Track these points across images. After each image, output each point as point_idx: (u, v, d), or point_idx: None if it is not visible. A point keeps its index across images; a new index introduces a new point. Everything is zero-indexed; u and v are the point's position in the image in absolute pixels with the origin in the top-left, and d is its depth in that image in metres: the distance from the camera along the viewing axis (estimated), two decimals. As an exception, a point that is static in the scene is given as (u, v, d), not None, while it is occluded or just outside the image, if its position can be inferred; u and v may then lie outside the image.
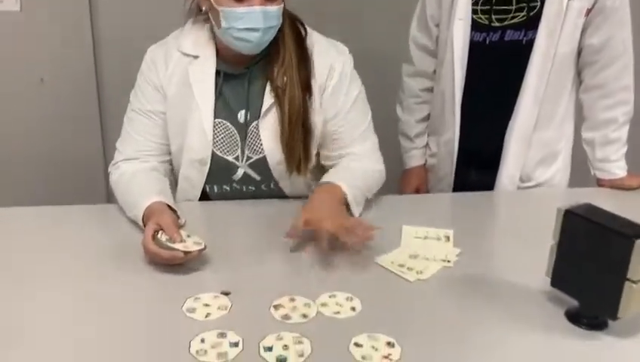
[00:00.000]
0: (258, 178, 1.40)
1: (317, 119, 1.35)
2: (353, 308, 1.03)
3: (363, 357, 0.91)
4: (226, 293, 1.06)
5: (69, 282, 1.09)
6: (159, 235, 1.14)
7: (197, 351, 0.91)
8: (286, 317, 1.00)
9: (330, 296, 1.06)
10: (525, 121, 1.58)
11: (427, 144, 1.79)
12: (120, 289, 1.07)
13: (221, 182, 1.42)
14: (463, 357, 0.93)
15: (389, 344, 0.94)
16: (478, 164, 1.66)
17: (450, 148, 1.68)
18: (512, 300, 1.06)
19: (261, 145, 1.36)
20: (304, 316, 1.00)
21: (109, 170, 1.40)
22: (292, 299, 1.05)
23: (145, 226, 1.17)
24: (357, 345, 0.94)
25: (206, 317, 0.99)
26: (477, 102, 1.62)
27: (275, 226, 1.25)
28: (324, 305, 1.04)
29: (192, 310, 1.01)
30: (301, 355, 0.91)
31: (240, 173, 1.39)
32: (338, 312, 1.02)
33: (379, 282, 1.12)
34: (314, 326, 0.98)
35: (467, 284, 1.11)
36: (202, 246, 1.13)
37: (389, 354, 0.92)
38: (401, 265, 1.14)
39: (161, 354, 0.91)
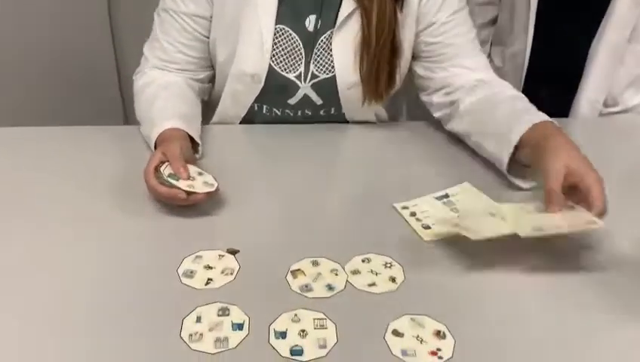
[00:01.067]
0: (319, 102, 1.14)
1: (408, 34, 1.07)
2: (393, 279, 0.81)
3: (404, 352, 0.70)
4: (234, 252, 0.85)
5: (55, 217, 0.90)
6: (163, 168, 0.92)
7: (190, 336, 0.71)
8: (306, 288, 0.79)
9: (363, 261, 0.84)
10: (619, 28, 1.25)
11: (490, 56, 1.47)
12: (112, 234, 0.87)
13: (272, 105, 1.16)
14: (544, 357, 0.70)
15: (438, 334, 0.72)
16: (552, 84, 1.36)
17: (518, 63, 1.38)
18: (609, 271, 0.82)
19: (332, 62, 1.08)
20: (329, 287, 0.79)
21: (134, 76, 1.16)
22: (315, 263, 0.83)
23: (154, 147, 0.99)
24: (396, 333, 0.72)
25: (206, 284, 0.79)
26: (558, 4, 1.29)
27: (319, 160, 1.01)
28: (355, 272, 0.82)
29: (190, 274, 0.81)
30: (323, 346, 0.70)
31: (300, 94, 1.13)
32: (373, 284, 0.80)
33: (430, 245, 0.89)
34: (341, 302, 0.77)
35: (544, 244, 0.86)
36: (212, 189, 0.92)
37: (438, 349, 0.70)
38: (456, 225, 0.88)
39: (143, 335, 0.71)
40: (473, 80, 1.09)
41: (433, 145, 1.14)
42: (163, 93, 1.09)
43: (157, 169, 0.92)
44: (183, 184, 0.90)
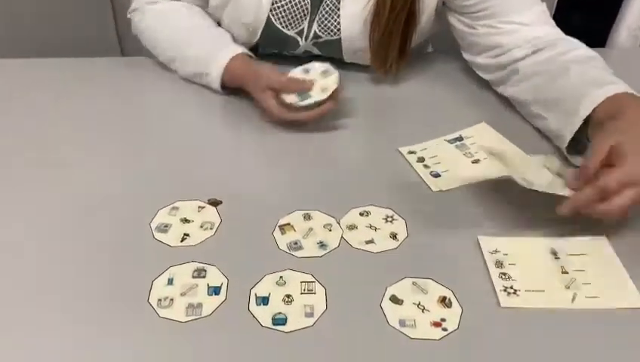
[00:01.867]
0: (321, 55, 1.00)
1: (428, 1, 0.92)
2: (394, 236, 0.71)
3: (402, 323, 0.60)
4: (215, 203, 0.75)
5: (21, 158, 0.81)
6: (283, 100, 0.86)
7: (159, 301, 0.62)
8: (295, 246, 0.69)
9: (361, 214, 0.74)
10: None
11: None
12: (78, 179, 0.78)
13: (269, 52, 1.02)
14: (562, 328, 0.61)
15: (443, 301, 0.63)
16: (587, 11, 1.19)
17: (549, -14, 1.20)
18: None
19: (338, 24, 0.94)
20: (321, 245, 0.69)
21: (129, 15, 1.03)
22: (307, 217, 0.73)
23: (221, 88, 0.93)
24: (395, 299, 0.63)
25: (182, 240, 0.70)
26: None
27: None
28: (351, 228, 0.72)
29: (164, 228, 0.71)
30: (310, 314, 0.61)
31: (299, 51, 1.00)
32: (371, 241, 0.70)
33: (439, 197, 0.78)
34: (334, 263, 0.67)
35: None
36: (336, 73, 0.86)
37: (442, 320, 0.61)
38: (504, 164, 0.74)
39: (105, 298, 0.63)
40: (531, 38, 0.88)
41: (447, 82, 1.01)
42: (196, 21, 0.97)
43: (280, 103, 0.86)
44: (317, 93, 0.85)
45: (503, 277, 0.65)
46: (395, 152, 0.84)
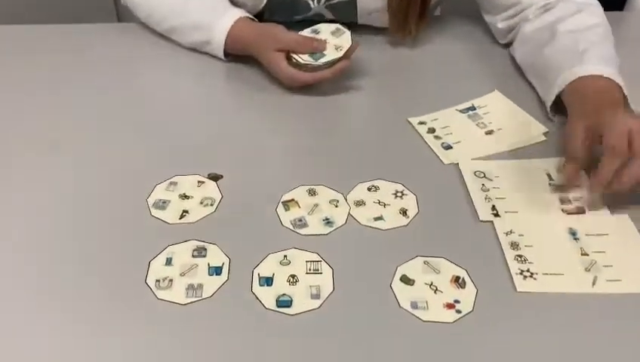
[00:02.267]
0: (332, 18, 0.94)
1: None
2: (404, 212, 0.67)
3: (413, 304, 0.57)
4: (216, 177, 0.71)
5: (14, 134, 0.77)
6: (295, 60, 0.83)
7: (157, 282, 0.59)
8: (300, 223, 0.66)
9: (369, 189, 0.70)
10: None
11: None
12: (72, 154, 0.74)
13: (278, 18, 0.96)
14: (583, 313, 0.57)
15: (456, 281, 0.59)
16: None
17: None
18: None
19: None
20: (327, 222, 0.66)
21: None
22: (312, 192, 0.69)
23: (225, 56, 0.89)
24: (405, 279, 0.60)
25: (181, 217, 0.66)
26: None
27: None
28: (359, 203, 0.68)
29: (162, 205, 0.68)
30: (316, 296, 0.58)
31: (310, 14, 0.94)
32: (380, 218, 0.66)
33: (451, 170, 0.74)
34: (341, 241, 0.64)
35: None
36: (347, 31, 0.84)
37: (456, 301, 0.58)
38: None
39: (101, 279, 0.60)
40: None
41: (459, 48, 0.96)
42: None
43: (293, 64, 0.83)
44: (330, 52, 0.82)
45: (519, 259, 0.61)
46: (405, 123, 0.80)
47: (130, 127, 0.79)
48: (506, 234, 0.64)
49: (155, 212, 0.67)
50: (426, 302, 0.57)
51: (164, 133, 0.78)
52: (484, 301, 0.57)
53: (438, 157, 0.75)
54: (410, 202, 0.68)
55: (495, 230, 0.64)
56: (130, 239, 0.64)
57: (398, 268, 0.60)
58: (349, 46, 0.82)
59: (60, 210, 0.67)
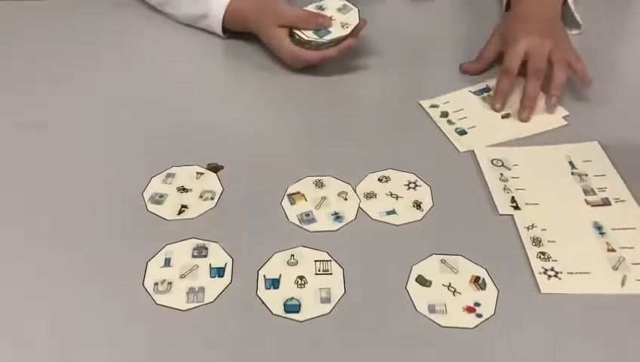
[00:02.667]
0: None
1: None
2: (418, 205, 0.63)
3: (431, 308, 0.53)
4: (216, 168, 0.67)
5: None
6: (298, 36, 0.77)
7: (155, 286, 0.55)
8: (307, 218, 0.61)
9: (380, 180, 0.66)
10: None
11: None
12: (62, 142, 0.69)
13: None
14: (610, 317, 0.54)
15: (476, 281, 0.56)
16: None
17: None
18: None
19: None
20: (336, 217, 0.61)
21: None
22: (319, 184, 0.65)
23: (223, 32, 0.84)
24: (421, 280, 0.56)
25: (179, 213, 0.62)
26: None
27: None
28: (369, 196, 0.64)
29: (159, 199, 0.63)
30: (326, 300, 0.54)
31: None
32: (393, 211, 0.62)
33: (467, 158, 0.69)
34: (351, 238, 0.60)
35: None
36: (355, 8, 0.79)
37: (476, 304, 0.54)
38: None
39: (94, 283, 0.56)
40: None
41: (471, 24, 0.90)
42: None
43: (296, 41, 0.77)
44: (336, 29, 0.77)
45: (542, 257, 0.57)
46: (416, 106, 0.75)
47: (121, 111, 0.74)
48: (527, 228, 0.60)
49: (152, 207, 0.62)
50: (445, 306, 0.53)
51: (159, 119, 0.73)
52: (506, 303, 0.53)
53: (452, 143, 0.70)
54: (424, 194, 0.64)
55: (515, 223, 0.60)
56: (125, 237, 0.59)
57: (414, 267, 0.57)
58: (356, 23, 0.77)
59: (44, 206, 0.63)
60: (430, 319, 0.52)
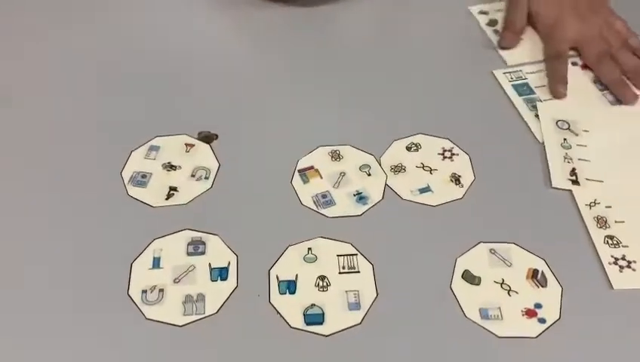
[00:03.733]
0: None
1: None
2: (457, 179, 0.52)
3: (484, 313, 0.44)
4: (209, 138, 0.55)
5: None
6: None
7: (143, 294, 0.44)
8: (324, 200, 0.50)
9: (408, 148, 0.55)
10: None
11: None
12: (30, 110, 0.57)
13: None
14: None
15: (533, 276, 0.46)
16: None
17: None
18: None
19: None
20: (360, 197, 0.51)
21: None
22: (335, 155, 0.54)
23: None
24: (469, 277, 0.46)
25: (168, 197, 0.51)
26: None
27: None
28: (397, 169, 0.53)
29: (142, 180, 0.52)
30: (355, 306, 0.44)
31: None
32: (427, 188, 0.52)
33: (512, 124, 0.58)
34: (379, 223, 0.49)
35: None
36: None
37: (537, 306, 0.44)
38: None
39: (67, 295, 0.45)
40: None
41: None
42: None
43: None
44: None
45: (610, 242, 0.47)
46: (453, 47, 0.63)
47: (92, 72, 0.61)
48: (589, 206, 0.50)
49: (133, 190, 0.51)
50: (499, 309, 0.44)
51: (139, 79, 0.60)
52: (572, 304, 0.44)
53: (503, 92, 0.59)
54: (462, 164, 0.53)
55: (575, 200, 0.50)
56: (101, 231, 0.48)
57: (457, 259, 0.47)
58: None
59: (7, 189, 0.51)
60: (483, 327, 0.43)
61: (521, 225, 0.49)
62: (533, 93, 0.58)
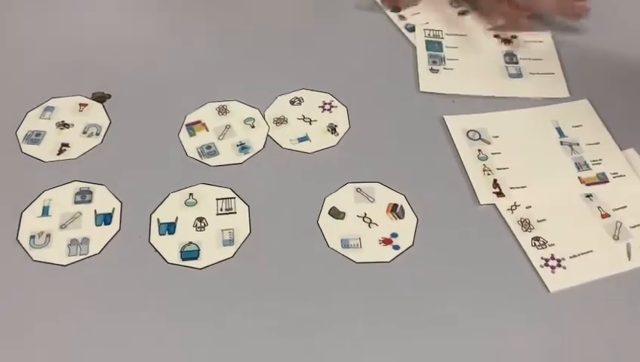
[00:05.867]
0: None
1: None
2: (333, 129, 0.57)
3: (345, 243, 0.48)
4: (102, 97, 0.58)
5: None
6: None
7: (31, 239, 0.48)
8: (208, 150, 0.54)
9: (292, 102, 0.59)
10: None
11: None
12: None
13: None
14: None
15: (393, 209, 0.51)
16: None
17: None
18: None
19: None
20: (242, 147, 0.55)
21: None
22: (222, 110, 0.58)
23: None
24: (335, 213, 0.50)
25: (59, 153, 0.54)
26: None
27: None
28: (279, 121, 0.57)
29: (36, 138, 0.55)
30: (229, 242, 0.48)
31: None
32: (305, 138, 0.56)
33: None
34: (258, 170, 0.53)
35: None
36: None
37: (393, 235, 0.49)
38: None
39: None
40: None
41: None
42: None
43: None
44: None
45: (537, 244, 0.49)
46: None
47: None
48: (511, 210, 0.51)
49: (27, 147, 0.54)
50: (359, 239, 0.49)
51: (33, 39, 0.63)
52: (427, 232, 0.49)
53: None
54: (339, 116, 0.57)
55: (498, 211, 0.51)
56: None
57: (326, 198, 0.51)
58: None
59: None
60: (343, 255, 0.48)
61: (387, 166, 0.53)
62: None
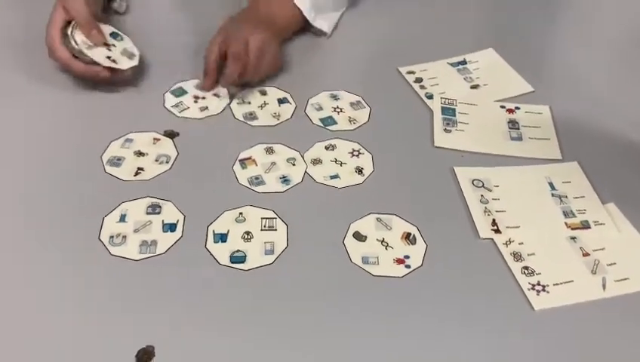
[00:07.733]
0: None
1: None
2: (360, 170, 0.68)
3: (365, 259, 0.59)
4: (172, 135, 0.71)
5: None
6: (70, 30, 0.72)
7: (111, 238, 0.59)
8: (256, 181, 0.66)
9: (327, 147, 0.71)
10: None
11: None
12: (22, 108, 0.73)
13: None
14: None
15: (407, 237, 0.61)
16: None
17: None
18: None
19: None
20: (284, 180, 0.66)
21: None
22: (269, 150, 0.70)
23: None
24: (358, 236, 0.61)
25: (136, 175, 0.66)
26: None
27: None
28: (316, 162, 0.69)
29: (117, 162, 0.67)
30: (270, 252, 0.59)
31: None
32: (336, 176, 0.67)
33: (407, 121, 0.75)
34: (296, 198, 0.64)
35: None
36: (135, 63, 0.75)
37: (406, 257, 0.59)
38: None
39: (54, 234, 0.60)
40: None
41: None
42: None
43: (64, 33, 0.72)
44: (100, 56, 0.72)
45: (527, 272, 0.58)
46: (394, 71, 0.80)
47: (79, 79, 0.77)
48: (506, 244, 0.60)
49: (110, 169, 0.66)
50: (377, 258, 0.59)
51: (119, 87, 0.76)
52: (434, 256, 0.59)
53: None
54: (366, 161, 0.69)
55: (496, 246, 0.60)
56: (84, 195, 0.63)
57: (352, 224, 0.62)
58: (122, 68, 0.73)
59: (11, 164, 0.66)
60: (362, 268, 0.58)
61: (403, 202, 0.64)
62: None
